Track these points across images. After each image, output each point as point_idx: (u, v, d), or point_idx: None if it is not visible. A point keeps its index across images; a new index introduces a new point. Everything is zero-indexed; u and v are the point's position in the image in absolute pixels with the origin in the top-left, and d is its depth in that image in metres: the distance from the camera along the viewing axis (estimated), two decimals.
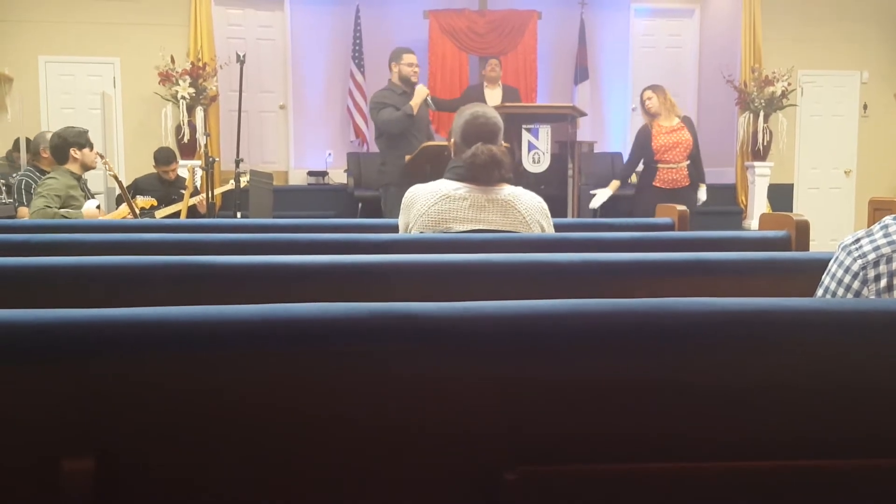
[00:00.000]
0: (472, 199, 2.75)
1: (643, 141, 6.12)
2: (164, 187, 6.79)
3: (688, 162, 6.02)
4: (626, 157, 7.02)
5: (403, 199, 2.89)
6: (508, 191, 2.80)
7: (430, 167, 5.11)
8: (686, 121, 6.14)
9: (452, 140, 2.98)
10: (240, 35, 9.19)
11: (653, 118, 6.09)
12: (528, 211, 2.79)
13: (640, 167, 6.32)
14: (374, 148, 8.18)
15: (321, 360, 1.21)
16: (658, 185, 5.99)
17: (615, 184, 6.37)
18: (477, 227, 2.73)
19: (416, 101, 5.93)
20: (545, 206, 2.89)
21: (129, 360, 1.19)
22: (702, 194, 6.16)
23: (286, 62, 9.42)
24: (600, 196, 6.32)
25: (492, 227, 2.74)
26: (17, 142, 7.68)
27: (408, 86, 6.05)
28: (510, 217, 2.76)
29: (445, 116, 7.73)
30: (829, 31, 9.52)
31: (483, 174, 2.76)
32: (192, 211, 6.29)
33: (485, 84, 7.75)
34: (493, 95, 7.60)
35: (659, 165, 6.00)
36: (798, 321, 1.29)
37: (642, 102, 6.17)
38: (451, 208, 2.74)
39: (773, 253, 2.49)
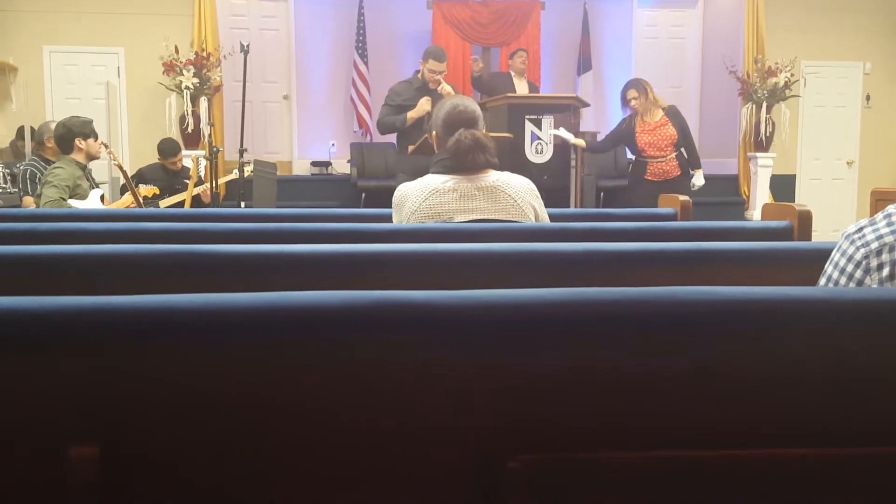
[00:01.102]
0: (460, 189, 2.72)
1: (626, 132, 6.11)
2: (168, 177, 6.81)
3: (676, 152, 6.00)
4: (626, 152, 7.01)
5: (394, 199, 2.86)
6: (495, 176, 2.77)
7: (428, 158, 5.12)
8: (670, 113, 6.06)
9: (434, 133, 2.97)
10: (243, 25, 9.18)
11: (637, 114, 6.04)
12: (519, 194, 2.77)
13: (632, 160, 6.31)
14: (377, 138, 8.19)
15: (320, 348, 1.21)
16: (650, 178, 6.00)
17: (581, 142, 6.36)
18: (469, 218, 2.71)
19: (412, 115, 5.93)
20: (534, 187, 2.87)
21: (134, 346, 1.19)
22: (698, 179, 6.14)
23: (290, 52, 9.42)
24: (564, 135, 6.27)
25: (483, 216, 2.71)
26: (21, 131, 7.71)
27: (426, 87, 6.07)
28: (500, 203, 2.73)
29: None
30: (832, 22, 9.50)
31: (469, 159, 2.74)
32: (197, 200, 6.31)
33: (513, 75, 8.04)
34: (521, 87, 7.89)
35: (647, 159, 6.00)
36: (800, 310, 1.28)
37: (626, 100, 6.06)
38: (441, 201, 2.71)
39: (776, 243, 2.48)
